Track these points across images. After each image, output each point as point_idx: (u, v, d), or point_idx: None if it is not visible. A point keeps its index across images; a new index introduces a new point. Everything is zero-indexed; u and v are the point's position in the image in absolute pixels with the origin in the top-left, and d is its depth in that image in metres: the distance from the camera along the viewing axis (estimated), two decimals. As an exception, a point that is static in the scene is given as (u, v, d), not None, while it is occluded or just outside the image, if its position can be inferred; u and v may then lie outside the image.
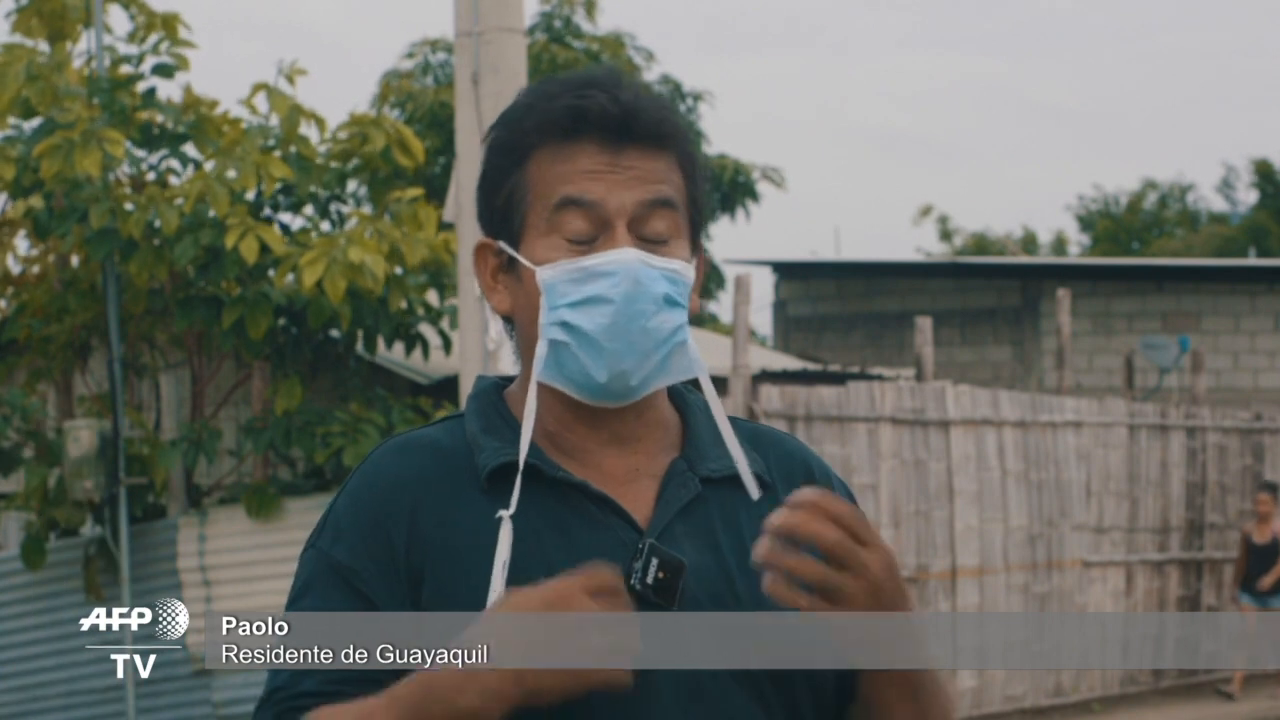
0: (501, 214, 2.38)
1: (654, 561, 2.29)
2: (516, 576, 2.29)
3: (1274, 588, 15.52)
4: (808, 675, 2.34)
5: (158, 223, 10.66)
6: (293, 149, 11.02)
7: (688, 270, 2.35)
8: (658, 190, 2.33)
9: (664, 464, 2.39)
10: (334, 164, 11.15)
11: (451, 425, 2.43)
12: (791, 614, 2.31)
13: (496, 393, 2.44)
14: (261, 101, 11.12)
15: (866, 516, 2.42)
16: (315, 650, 2.32)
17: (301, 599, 2.35)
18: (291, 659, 2.33)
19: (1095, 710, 15.40)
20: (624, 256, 2.30)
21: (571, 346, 2.31)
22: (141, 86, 11.29)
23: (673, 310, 2.32)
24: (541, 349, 2.34)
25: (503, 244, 2.38)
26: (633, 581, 2.29)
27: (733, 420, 2.44)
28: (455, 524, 2.34)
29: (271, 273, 10.92)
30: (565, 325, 2.31)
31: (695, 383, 2.44)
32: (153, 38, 11.38)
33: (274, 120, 11.16)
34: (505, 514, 2.31)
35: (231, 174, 10.61)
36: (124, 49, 11.45)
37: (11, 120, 11.23)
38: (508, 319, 2.41)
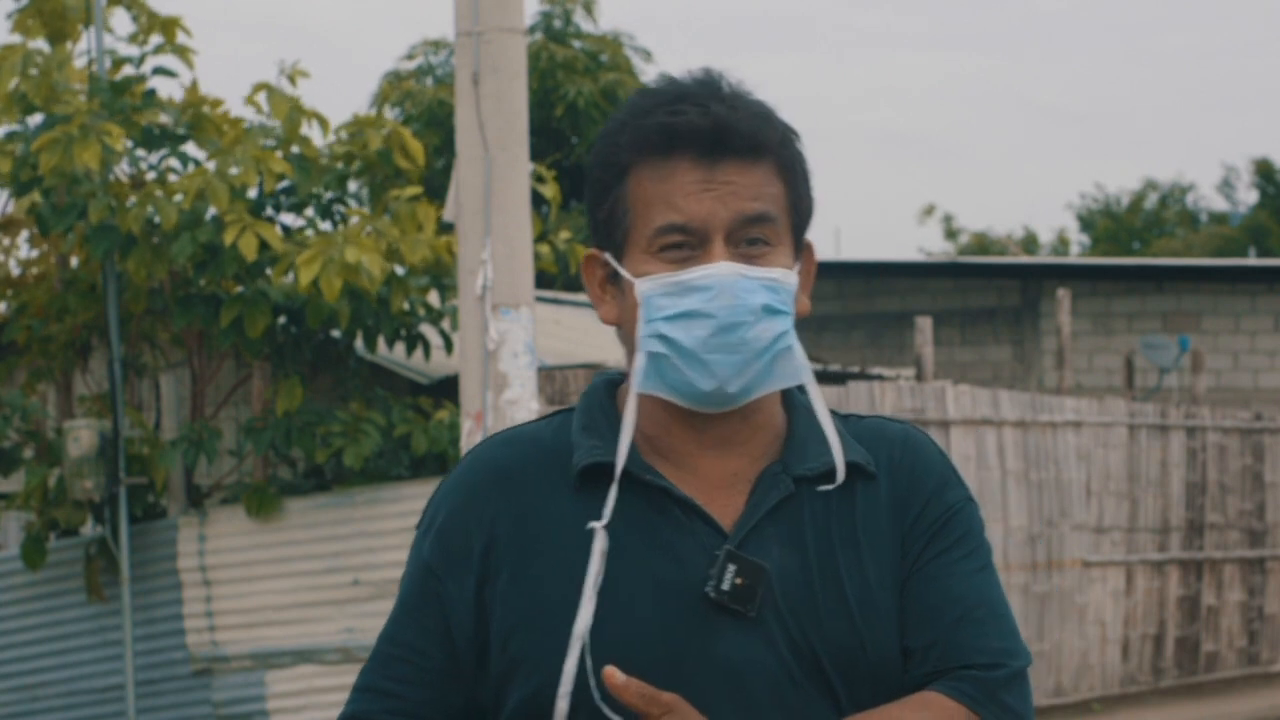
0: (606, 227, 2.40)
1: (730, 568, 2.30)
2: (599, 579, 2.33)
3: None
4: (875, 674, 2.35)
5: (157, 218, 10.66)
6: (294, 149, 11.01)
7: (788, 277, 2.36)
8: (753, 206, 2.35)
9: (762, 468, 2.40)
10: (337, 165, 11.14)
11: (559, 420, 2.46)
12: (861, 609, 2.33)
13: (607, 391, 2.46)
14: (263, 100, 11.10)
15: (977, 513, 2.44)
16: (394, 682, 2.41)
17: (396, 613, 2.44)
18: (369, 682, 2.43)
19: (1095, 710, 15.40)
20: (719, 270, 2.32)
21: (671, 359, 2.34)
22: (143, 88, 11.28)
23: (773, 319, 2.34)
24: (640, 361, 2.36)
25: (608, 256, 2.41)
26: (708, 589, 2.30)
27: (844, 416, 2.46)
28: (540, 521, 2.37)
29: (269, 271, 10.92)
30: (663, 338, 2.33)
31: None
32: (154, 39, 11.37)
33: (275, 121, 11.15)
34: (598, 525, 2.33)
35: (233, 170, 10.61)
36: (125, 50, 11.45)
37: (13, 117, 11.22)
38: (619, 329, 2.44)
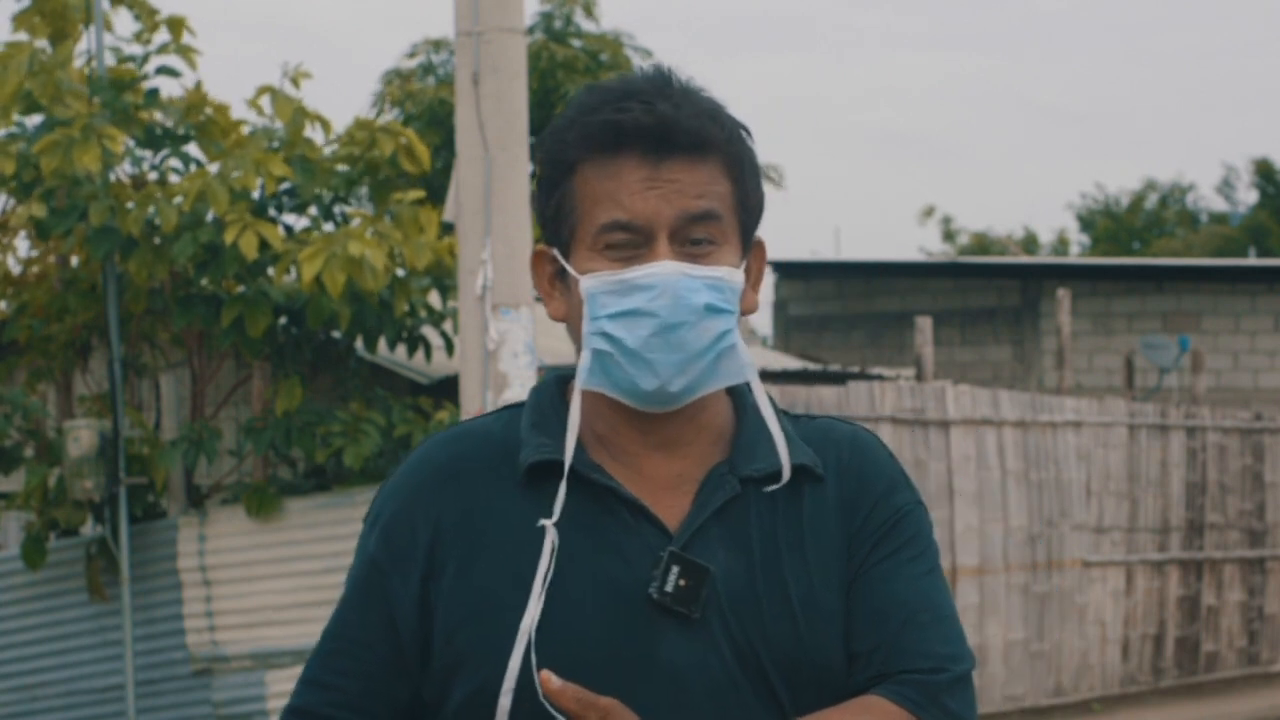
0: (553, 224, 2.40)
1: (674, 569, 2.29)
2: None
3: None
4: (819, 677, 2.34)
5: (157, 220, 10.66)
6: (297, 151, 11.00)
7: (733, 275, 2.36)
8: (698, 204, 2.35)
9: (709, 469, 2.39)
10: (341, 167, 11.13)
11: (510, 416, 2.46)
12: (805, 613, 2.33)
13: (558, 388, 2.45)
14: (266, 104, 11.10)
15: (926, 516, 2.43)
16: (336, 675, 2.40)
17: (341, 607, 2.43)
18: (312, 675, 2.42)
19: (1095, 710, 15.40)
20: (663, 269, 2.32)
21: (615, 356, 2.33)
22: (145, 86, 11.27)
23: (716, 318, 2.33)
24: (585, 358, 2.36)
25: (556, 252, 2.41)
26: (651, 590, 2.29)
27: (794, 417, 2.45)
28: (487, 517, 2.37)
29: (270, 270, 10.91)
30: (607, 336, 2.33)
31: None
32: (158, 39, 11.37)
33: (278, 123, 11.14)
34: (548, 523, 2.32)
35: (234, 174, 10.61)
36: (128, 49, 11.44)
37: (15, 117, 11.21)
38: (567, 325, 2.44)
